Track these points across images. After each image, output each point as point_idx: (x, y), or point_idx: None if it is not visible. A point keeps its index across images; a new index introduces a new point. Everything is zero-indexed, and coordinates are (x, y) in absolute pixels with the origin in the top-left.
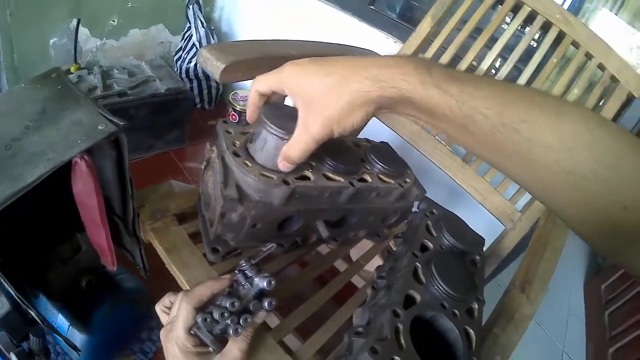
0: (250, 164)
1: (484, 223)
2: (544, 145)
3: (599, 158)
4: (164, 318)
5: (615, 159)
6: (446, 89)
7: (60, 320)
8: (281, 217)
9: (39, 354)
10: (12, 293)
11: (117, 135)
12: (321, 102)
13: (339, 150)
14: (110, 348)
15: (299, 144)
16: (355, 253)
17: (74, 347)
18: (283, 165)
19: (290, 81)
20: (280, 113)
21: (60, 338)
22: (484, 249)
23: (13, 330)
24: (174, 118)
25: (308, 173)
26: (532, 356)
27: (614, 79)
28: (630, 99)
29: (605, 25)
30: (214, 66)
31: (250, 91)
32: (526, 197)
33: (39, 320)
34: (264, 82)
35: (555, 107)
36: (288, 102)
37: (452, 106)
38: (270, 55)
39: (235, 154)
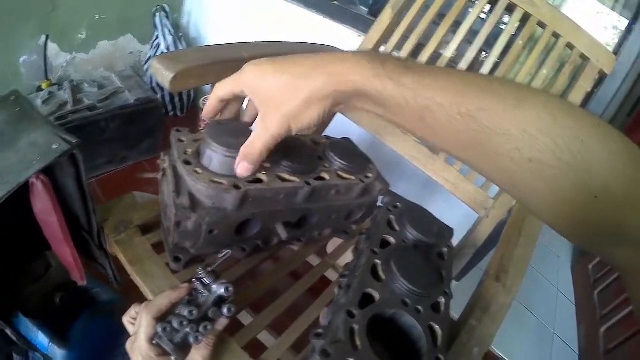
0: (200, 171)
1: (460, 213)
2: (504, 134)
3: (564, 145)
4: (130, 329)
5: (582, 146)
6: (400, 80)
7: (41, 338)
8: (237, 222)
9: None
10: None
11: (72, 152)
12: (278, 100)
13: (295, 150)
14: None
15: (258, 142)
16: (331, 247)
17: None
18: (242, 168)
19: (248, 82)
20: (223, 130)
21: (40, 355)
22: (460, 239)
23: None
24: (145, 128)
25: (261, 175)
26: (523, 341)
27: (584, 58)
28: (602, 77)
29: (580, 6)
30: (163, 76)
31: (210, 97)
32: None
33: (15, 339)
34: (224, 87)
35: (516, 94)
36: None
37: (407, 97)
38: (221, 60)
39: (186, 162)
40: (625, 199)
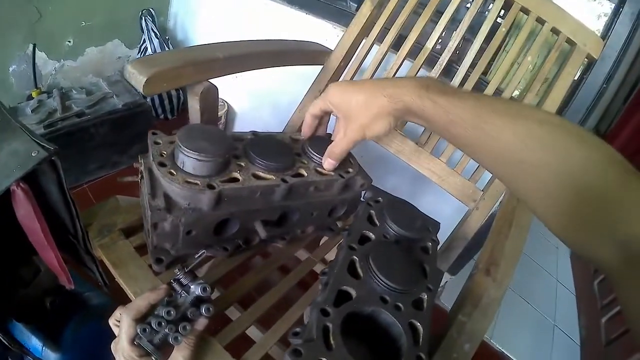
0: (175, 173)
1: (451, 207)
2: (504, 141)
3: (552, 151)
4: (116, 331)
5: (566, 151)
6: (437, 101)
7: (34, 342)
8: (214, 222)
9: None
10: None
11: (51, 159)
12: (356, 114)
13: (272, 148)
14: None
15: (341, 144)
16: (323, 242)
17: None
18: (328, 164)
19: (334, 100)
20: (194, 135)
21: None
22: (450, 232)
23: None
24: (135, 132)
25: (236, 174)
26: (522, 333)
27: (570, 42)
28: (591, 63)
29: None
30: (137, 80)
31: (306, 116)
32: (486, 175)
33: (7, 343)
34: (316, 106)
35: (514, 111)
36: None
37: (440, 113)
38: (194, 61)
39: (161, 164)
40: (604, 198)
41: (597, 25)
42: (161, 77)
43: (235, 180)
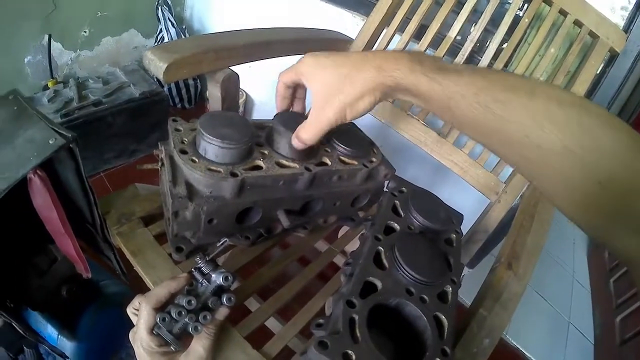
0: (197, 160)
1: (472, 198)
2: (516, 122)
3: (570, 135)
4: (134, 319)
5: (589, 136)
6: (432, 76)
7: (50, 330)
8: (237, 210)
9: None
10: None
11: (69, 146)
12: (337, 90)
13: None
14: (101, 353)
15: (311, 126)
16: (341, 232)
17: (62, 355)
18: (296, 144)
19: (307, 71)
20: (216, 123)
21: (49, 348)
22: (471, 225)
23: (8, 344)
24: (152, 121)
25: (259, 162)
26: (537, 330)
27: (593, 35)
28: (613, 56)
29: None
30: (157, 67)
31: (278, 84)
32: (509, 168)
33: (22, 332)
34: (286, 74)
35: (529, 88)
36: None
37: (437, 89)
38: (215, 48)
39: (182, 151)
40: (630, 188)
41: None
42: (182, 64)
43: (259, 168)
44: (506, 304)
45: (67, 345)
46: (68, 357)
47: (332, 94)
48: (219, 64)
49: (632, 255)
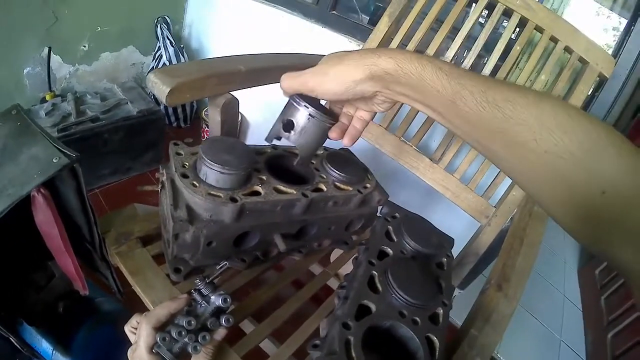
0: (198, 185)
1: (463, 222)
2: (524, 124)
3: (577, 142)
4: (132, 338)
5: (595, 145)
6: (440, 66)
7: (45, 345)
8: (235, 234)
9: None
10: None
11: (72, 165)
12: (337, 61)
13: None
14: None
15: (298, 77)
16: (334, 256)
17: None
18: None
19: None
20: (217, 148)
21: None
22: (462, 247)
23: (2, 358)
24: (148, 139)
25: (258, 188)
26: (529, 348)
27: (583, 61)
28: (602, 81)
29: (580, 8)
30: (160, 90)
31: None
32: (499, 192)
33: (19, 347)
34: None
35: (536, 92)
36: None
37: (443, 80)
38: (217, 73)
39: (184, 175)
40: (631, 198)
41: (606, 39)
42: (184, 88)
43: (257, 193)
44: (496, 325)
45: None
46: None
47: (333, 63)
48: (221, 88)
49: (632, 267)
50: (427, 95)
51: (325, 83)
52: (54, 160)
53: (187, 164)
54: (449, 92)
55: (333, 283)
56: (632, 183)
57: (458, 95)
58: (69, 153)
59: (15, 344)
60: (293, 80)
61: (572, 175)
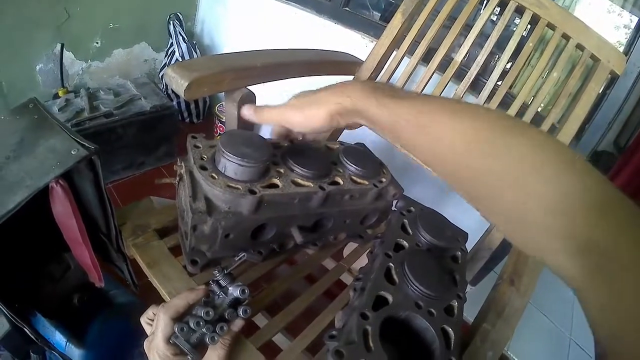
0: (217, 177)
1: (476, 217)
2: (447, 143)
3: (501, 158)
4: (148, 329)
5: (518, 156)
6: (381, 101)
7: (58, 337)
8: (253, 226)
9: None
10: (5, 312)
11: (90, 157)
12: (305, 102)
13: (309, 156)
14: None
15: (272, 111)
16: (347, 251)
17: None
18: (245, 114)
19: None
20: (236, 141)
21: (57, 354)
22: (474, 243)
23: (15, 349)
24: (162, 134)
25: (276, 180)
26: (538, 346)
27: (594, 58)
28: (614, 79)
29: (591, 6)
30: (178, 84)
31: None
32: None
33: (34, 338)
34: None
35: (464, 110)
36: None
37: (384, 114)
38: (234, 68)
39: (202, 168)
40: (564, 210)
41: (617, 36)
42: (202, 82)
43: (275, 186)
44: (509, 319)
45: (74, 352)
46: None
47: (306, 103)
48: (238, 83)
49: (570, 273)
50: (377, 126)
51: (304, 122)
52: (72, 152)
53: (206, 156)
54: (390, 122)
55: (346, 278)
56: (558, 192)
57: (397, 125)
58: (87, 145)
59: (30, 335)
60: (272, 114)
61: (498, 190)
